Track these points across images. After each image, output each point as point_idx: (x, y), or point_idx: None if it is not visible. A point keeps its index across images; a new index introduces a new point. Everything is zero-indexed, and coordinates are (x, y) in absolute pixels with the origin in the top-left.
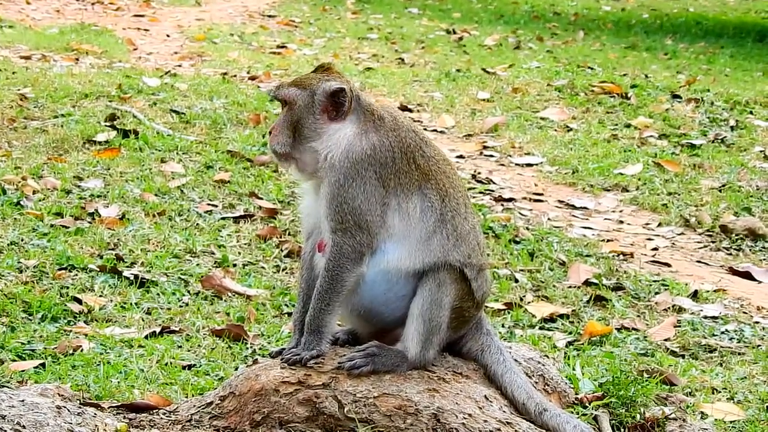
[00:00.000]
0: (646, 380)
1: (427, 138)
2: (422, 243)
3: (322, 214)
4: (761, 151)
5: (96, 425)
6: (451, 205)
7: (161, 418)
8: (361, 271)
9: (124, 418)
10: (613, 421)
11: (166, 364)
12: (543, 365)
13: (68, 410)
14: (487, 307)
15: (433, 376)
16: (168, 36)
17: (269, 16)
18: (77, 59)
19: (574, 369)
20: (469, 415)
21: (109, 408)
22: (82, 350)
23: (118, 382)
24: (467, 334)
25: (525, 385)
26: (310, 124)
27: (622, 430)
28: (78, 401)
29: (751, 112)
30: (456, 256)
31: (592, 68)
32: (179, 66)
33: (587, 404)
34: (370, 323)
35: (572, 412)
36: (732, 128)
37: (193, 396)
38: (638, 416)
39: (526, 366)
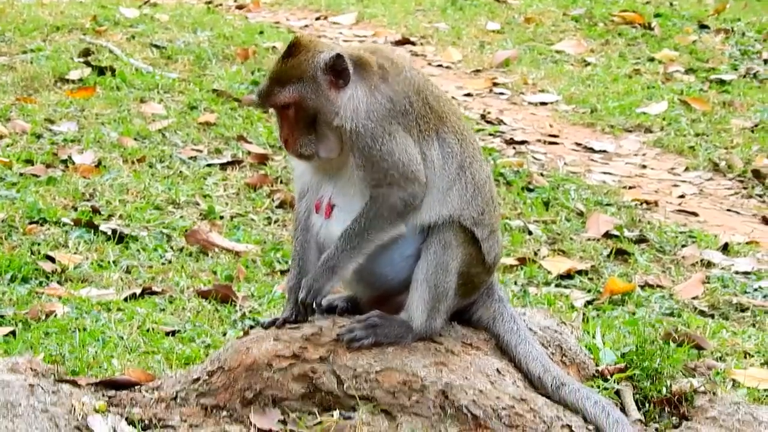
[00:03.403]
0: (673, 350)
1: (424, 73)
2: (442, 193)
3: (358, 177)
4: None
5: (72, 405)
6: (468, 150)
7: (143, 396)
8: (402, 231)
9: (103, 395)
10: (638, 396)
11: (147, 330)
12: (560, 334)
13: (42, 388)
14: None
15: (440, 347)
16: None
17: None
18: None
19: (594, 337)
20: (480, 391)
21: (86, 385)
22: (55, 315)
23: (96, 352)
24: (477, 301)
25: (541, 356)
26: (326, 106)
27: (647, 404)
28: (52, 376)
29: None
30: (469, 212)
31: None
32: None
33: (609, 377)
34: (372, 287)
35: (592, 386)
36: (765, 62)
37: (177, 367)
38: (664, 390)
39: (541, 335)
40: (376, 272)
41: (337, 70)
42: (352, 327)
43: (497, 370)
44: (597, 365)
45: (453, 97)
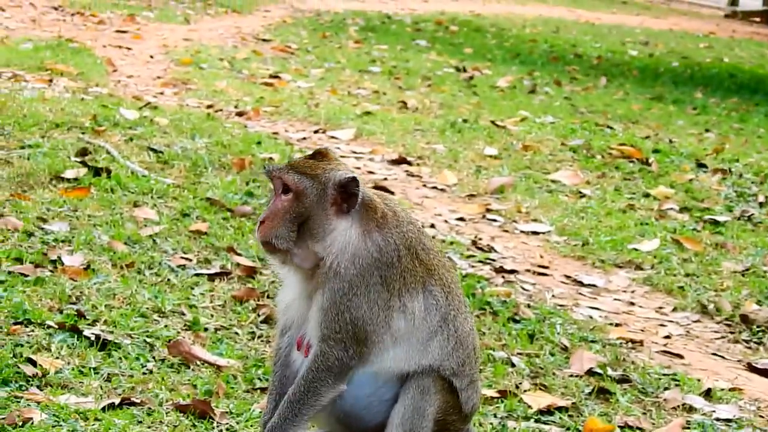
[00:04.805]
0: None
1: (421, 226)
2: (422, 344)
3: (315, 319)
4: None
5: None
6: (454, 303)
7: None
8: (341, 389)
9: None
10: None
11: None
12: None
13: None
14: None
15: None
16: (151, 57)
17: (263, 40)
18: (50, 81)
19: None
20: None
21: None
22: (32, 423)
23: None
24: None
25: None
26: (319, 219)
27: None
28: None
29: None
30: (450, 363)
31: (611, 128)
32: (161, 93)
33: None
34: (348, 428)
35: None
36: (761, 205)
37: None
38: None
39: None
40: (353, 415)
41: (347, 192)
42: None
43: None
44: None
45: (445, 221)
